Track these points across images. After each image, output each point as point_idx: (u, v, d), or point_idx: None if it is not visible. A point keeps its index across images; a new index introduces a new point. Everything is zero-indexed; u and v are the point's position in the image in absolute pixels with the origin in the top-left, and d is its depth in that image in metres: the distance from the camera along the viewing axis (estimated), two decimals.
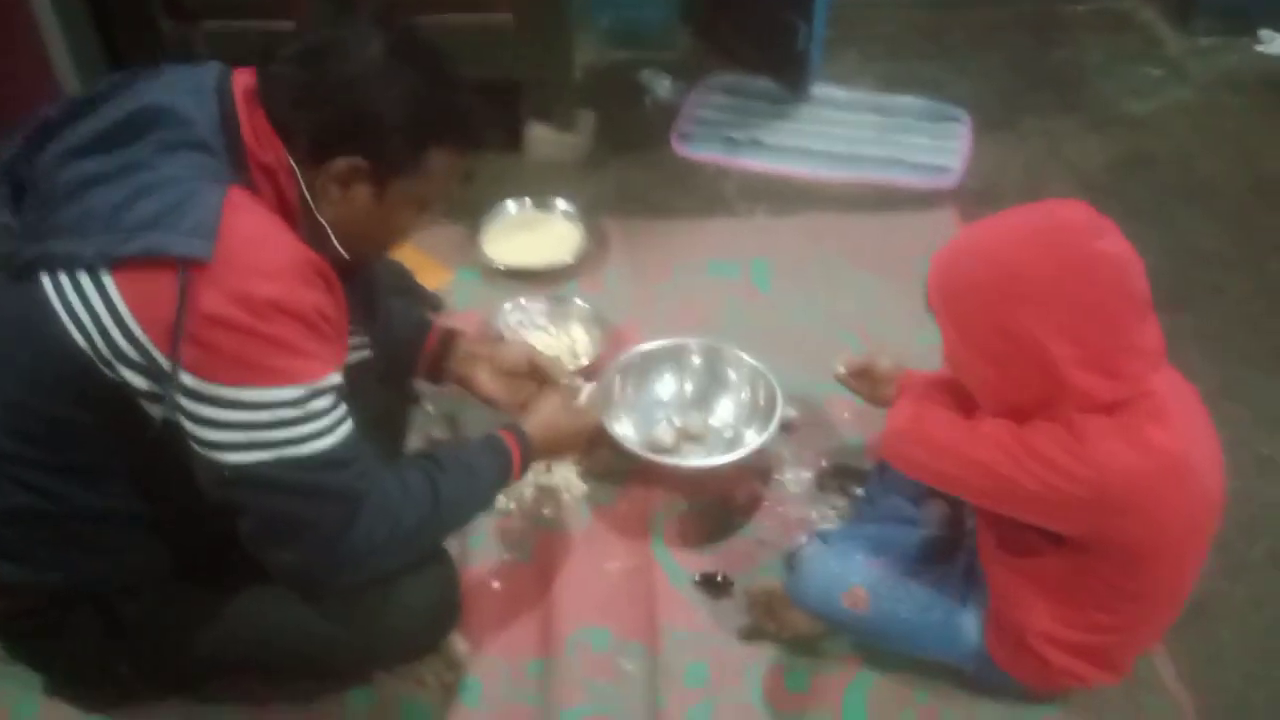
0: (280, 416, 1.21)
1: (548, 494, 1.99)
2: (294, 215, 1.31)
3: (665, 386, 2.14)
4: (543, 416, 1.67)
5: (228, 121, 1.27)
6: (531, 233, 2.64)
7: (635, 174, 2.94)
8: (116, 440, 1.29)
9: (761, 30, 3.27)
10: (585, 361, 2.18)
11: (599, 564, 1.88)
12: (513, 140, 2.93)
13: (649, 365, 2.13)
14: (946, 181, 2.92)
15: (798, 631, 1.72)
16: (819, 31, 3.14)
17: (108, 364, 1.20)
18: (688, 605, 1.82)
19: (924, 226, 2.69)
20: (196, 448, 1.22)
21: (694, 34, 3.56)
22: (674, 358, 2.15)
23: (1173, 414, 1.33)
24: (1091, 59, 3.54)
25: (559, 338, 2.30)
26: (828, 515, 1.97)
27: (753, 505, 2.00)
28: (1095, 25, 3.71)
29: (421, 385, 1.94)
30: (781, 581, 1.70)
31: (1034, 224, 1.34)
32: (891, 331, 2.30)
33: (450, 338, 1.82)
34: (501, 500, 1.93)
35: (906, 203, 2.85)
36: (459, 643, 1.71)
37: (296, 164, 1.29)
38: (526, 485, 1.98)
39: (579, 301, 2.37)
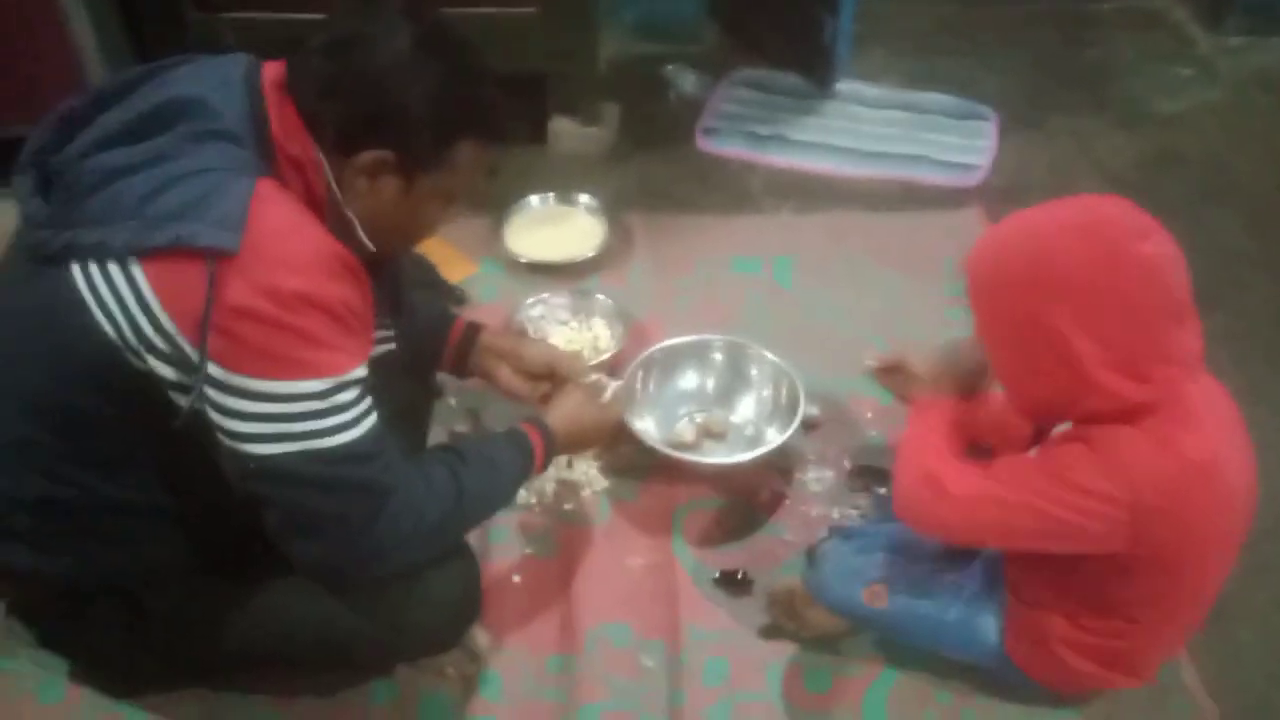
0: (306, 409, 1.21)
1: (569, 489, 1.99)
2: (321, 208, 1.31)
3: (687, 383, 2.14)
4: (566, 411, 1.67)
5: (256, 113, 1.27)
6: (555, 227, 2.64)
7: (659, 169, 2.93)
8: (140, 431, 1.29)
9: (788, 25, 3.25)
10: (607, 356, 2.18)
11: (620, 560, 1.88)
12: (537, 134, 2.93)
13: (672, 361, 2.13)
14: (973, 179, 2.90)
15: (818, 631, 1.72)
16: (846, 27, 3.13)
17: (136, 354, 1.20)
18: (708, 603, 1.81)
19: (949, 225, 2.68)
20: (222, 439, 1.22)
21: (720, 28, 3.55)
22: (697, 354, 2.14)
23: (1203, 419, 1.31)
24: (1121, 57, 3.51)
25: (581, 332, 2.30)
26: (849, 514, 1.96)
27: (774, 503, 1.99)
28: (1125, 24, 3.68)
29: (444, 379, 1.95)
30: (802, 580, 1.70)
31: (1075, 219, 1.31)
32: (915, 330, 2.28)
33: (474, 331, 1.82)
34: (523, 495, 1.93)
35: (932, 201, 2.83)
36: (480, 636, 1.71)
37: (324, 156, 1.29)
38: (548, 480, 1.98)
39: (601, 296, 2.36)
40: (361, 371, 1.27)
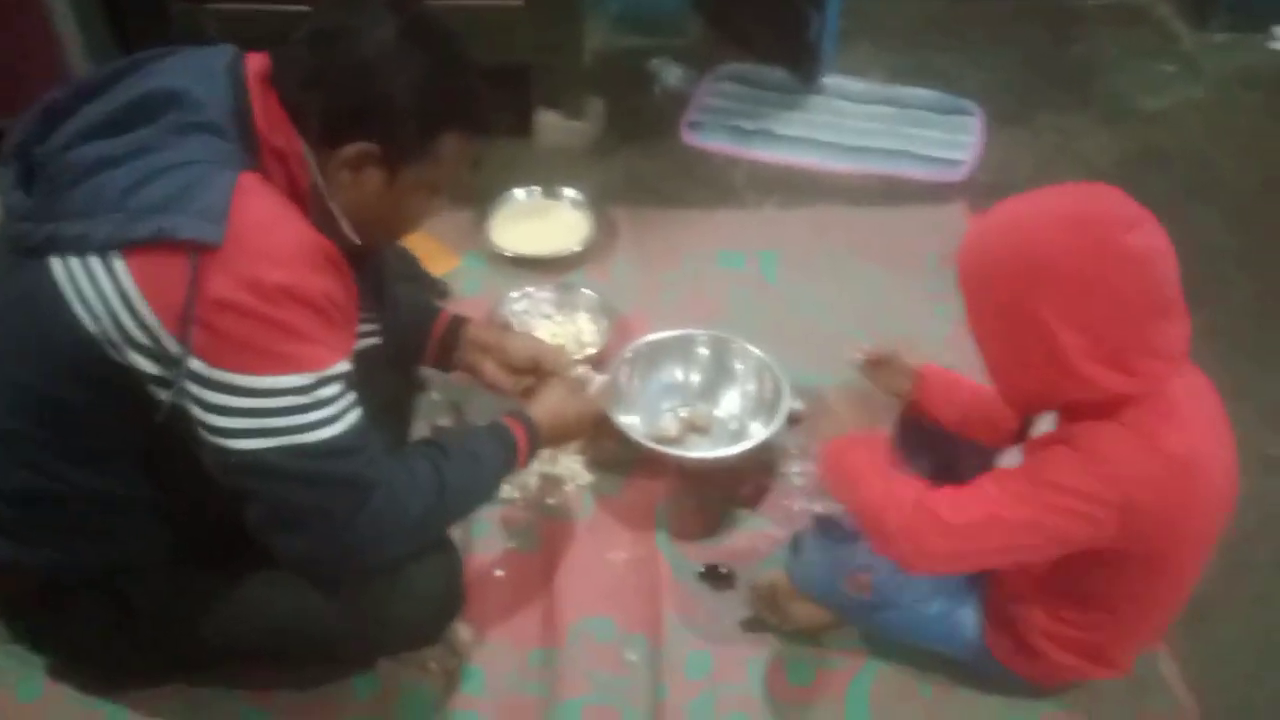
0: (289, 404, 1.20)
1: (552, 483, 1.99)
2: (305, 200, 1.30)
3: (672, 377, 2.14)
4: (549, 404, 1.67)
5: (239, 105, 1.26)
6: (540, 220, 2.64)
7: (644, 163, 2.93)
8: (123, 424, 1.28)
9: (774, 19, 3.26)
10: (592, 351, 2.18)
11: (603, 554, 1.88)
12: (522, 126, 2.93)
13: (656, 355, 2.13)
14: (957, 175, 2.91)
15: (800, 624, 1.72)
16: (831, 22, 3.13)
17: (116, 348, 1.20)
18: (691, 597, 1.81)
19: (933, 220, 2.69)
20: (204, 434, 1.21)
21: (705, 22, 3.55)
22: (681, 348, 2.15)
23: (1187, 414, 1.32)
24: (1106, 54, 3.52)
25: (565, 326, 2.30)
26: (833, 509, 1.97)
27: (757, 497, 1.99)
28: (1110, 20, 3.69)
29: (427, 372, 1.94)
30: (785, 570, 1.70)
31: (1065, 208, 1.30)
32: (898, 325, 2.29)
33: (459, 325, 1.81)
34: (506, 489, 1.93)
35: (916, 196, 2.84)
36: (463, 630, 1.71)
37: (308, 148, 1.28)
38: (531, 474, 1.98)
39: (586, 290, 2.36)
40: (345, 366, 1.26)
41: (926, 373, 1.77)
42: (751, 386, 2.09)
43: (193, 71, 1.27)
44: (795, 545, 1.69)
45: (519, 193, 2.69)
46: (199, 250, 1.14)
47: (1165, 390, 1.30)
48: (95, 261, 1.17)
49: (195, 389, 1.19)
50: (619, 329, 2.27)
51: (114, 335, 1.19)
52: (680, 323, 2.19)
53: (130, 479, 1.35)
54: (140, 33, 2.76)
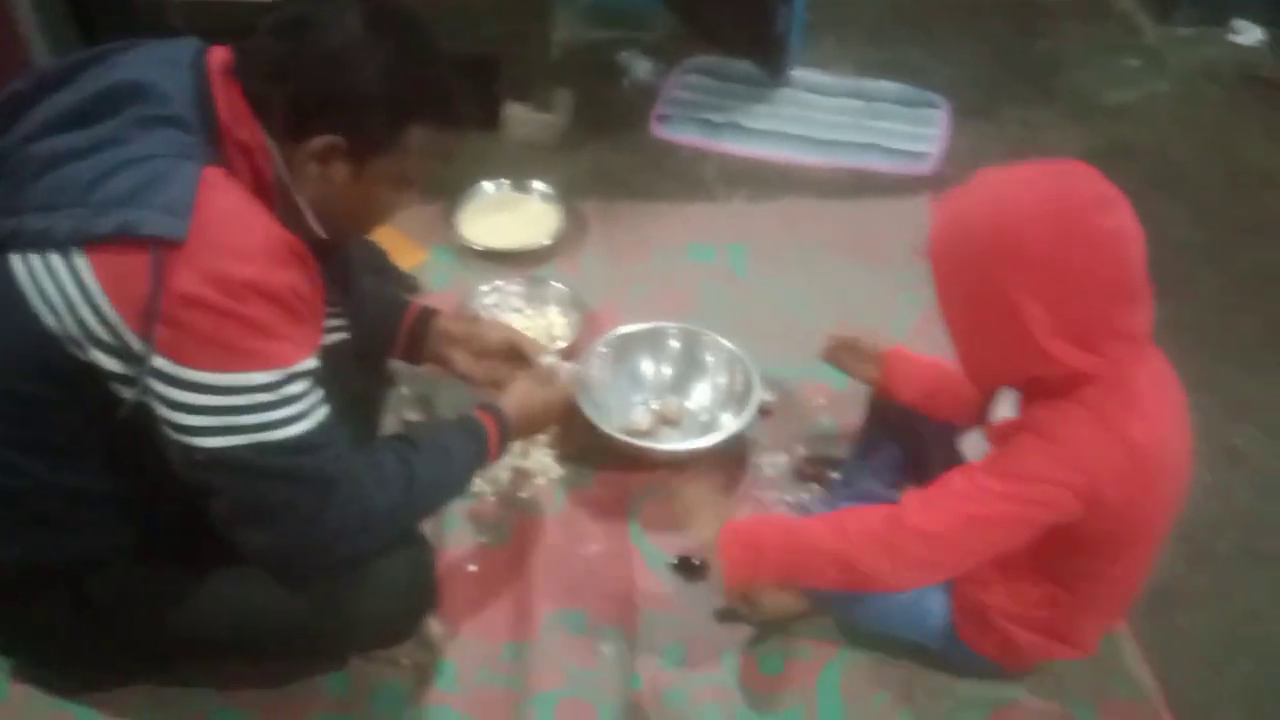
0: (255, 401, 1.19)
1: (524, 477, 1.99)
2: (270, 194, 1.29)
3: (643, 370, 2.14)
4: (516, 396, 1.67)
5: (203, 98, 1.24)
6: (508, 213, 2.63)
7: (613, 156, 2.93)
8: (87, 419, 1.27)
9: (742, 12, 3.26)
10: (562, 344, 2.17)
11: (575, 547, 1.88)
12: (490, 119, 2.91)
13: (627, 348, 2.13)
14: (923, 168, 2.92)
15: (772, 614, 1.73)
16: (799, 15, 3.14)
17: (79, 345, 1.18)
18: (664, 588, 1.82)
19: (900, 213, 2.70)
20: (169, 431, 1.20)
21: (673, 15, 3.55)
22: (652, 341, 2.15)
23: (1149, 401, 1.33)
24: (1071, 48, 3.55)
25: (535, 320, 2.29)
26: (803, 499, 1.98)
27: (729, 489, 1.99)
28: (1075, 14, 3.72)
29: (396, 366, 1.93)
30: None
31: (1038, 184, 1.30)
32: (866, 317, 2.30)
33: (427, 316, 1.81)
34: (477, 483, 1.92)
35: (884, 189, 2.85)
36: (434, 625, 1.70)
37: (273, 141, 1.27)
38: (502, 468, 1.97)
39: (556, 284, 2.36)
40: (312, 362, 1.25)
41: (891, 354, 1.78)
42: (722, 379, 2.10)
43: (157, 64, 1.26)
44: None
45: (488, 185, 2.68)
46: (163, 246, 1.13)
47: (1130, 377, 1.32)
48: (56, 259, 1.15)
49: (160, 387, 1.17)
50: (589, 322, 2.27)
51: (76, 333, 1.17)
52: (650, 316, 2.19)
53: (95, 474, 1.33)
54: (103, 25, 2.73)
